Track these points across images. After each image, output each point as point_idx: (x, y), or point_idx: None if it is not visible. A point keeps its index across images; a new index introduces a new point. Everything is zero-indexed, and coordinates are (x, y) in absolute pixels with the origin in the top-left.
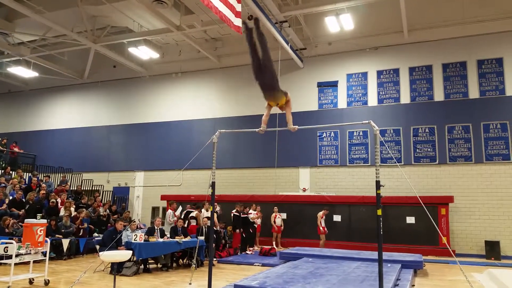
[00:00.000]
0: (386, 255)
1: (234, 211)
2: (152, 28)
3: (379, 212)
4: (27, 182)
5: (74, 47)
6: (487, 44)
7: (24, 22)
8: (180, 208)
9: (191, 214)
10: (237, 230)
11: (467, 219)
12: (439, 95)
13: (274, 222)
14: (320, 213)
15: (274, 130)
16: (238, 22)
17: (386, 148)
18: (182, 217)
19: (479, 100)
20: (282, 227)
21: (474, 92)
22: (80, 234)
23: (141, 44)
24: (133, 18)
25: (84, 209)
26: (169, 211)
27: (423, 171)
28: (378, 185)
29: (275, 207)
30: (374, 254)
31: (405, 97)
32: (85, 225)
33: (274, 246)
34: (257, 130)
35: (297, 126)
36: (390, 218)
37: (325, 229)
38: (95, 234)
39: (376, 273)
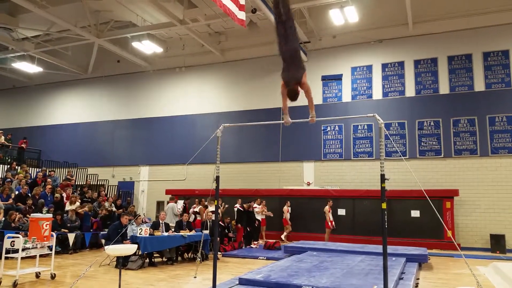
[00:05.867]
0: (390, 248)
1: (238, 205)
2: (156, 22)
3: (384, 205)
4: (32, 177)
5: (78, 42)
6: (493, 36)
7: (27, 17)
8: (180, 202)
9: (195, 209)
10: (240, 225)
11: (472, 213)
12: (444, 88)
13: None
14: (327, 207)
15: (278, 124)
16: (241, 15)
17: (391, 141)
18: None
19: (484, 93)
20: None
21: (479, 85)
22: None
23: (144, 38)
24: (136, 12)
25: (87, 204)
26: (172, 204)
27: (428, 164)
28: (382, 178)
29: (288, 201)
30: (378, 248)
31: (410, 90)
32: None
33: (284, 239)
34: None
35: (315, 118)
36: (395, 211)
37: (333, 223)
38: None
39: (381, 267)
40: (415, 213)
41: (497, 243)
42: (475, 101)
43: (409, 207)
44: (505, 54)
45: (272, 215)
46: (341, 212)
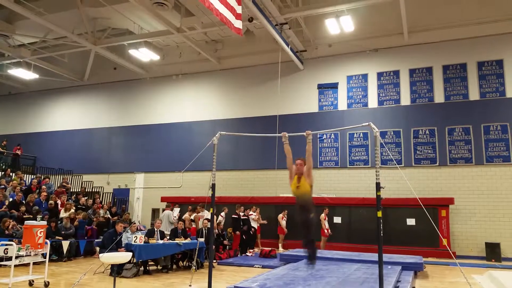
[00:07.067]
0: (386, 257)
1: (241, 213)
2: (153, 30)
3: (379, 214)
4: (27, 184)
5: (75, 49)
6: (487, 45)
7: (24, 24)
8: (176, 210)
9: (190, 217)
10: (237, 232)
11: (468, 221)
12: (439, 96)
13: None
14: (323, 215)
15: (274, 130)
16: (238, 24)
17: (387, 150)
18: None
19: (479, 102)
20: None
21: (474, 94)
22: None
23: (141, 46)
24: (133, 20)
25: (81, 211)
26: (168, 212)
27: (424, 172)
28: (378, 186)
29: (285, 210)
30: (374, 256)
31: (405, 99)
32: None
33: (280, 247)
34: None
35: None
36: (391, 220)
37: (329, 231)
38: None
39: (377, 275)
40: (411, 221)
41: (492, 252)
42: (470, 110)
43: (404, 215)
44: (499, 64)
45: (266, 223)
46: (337, 220)
